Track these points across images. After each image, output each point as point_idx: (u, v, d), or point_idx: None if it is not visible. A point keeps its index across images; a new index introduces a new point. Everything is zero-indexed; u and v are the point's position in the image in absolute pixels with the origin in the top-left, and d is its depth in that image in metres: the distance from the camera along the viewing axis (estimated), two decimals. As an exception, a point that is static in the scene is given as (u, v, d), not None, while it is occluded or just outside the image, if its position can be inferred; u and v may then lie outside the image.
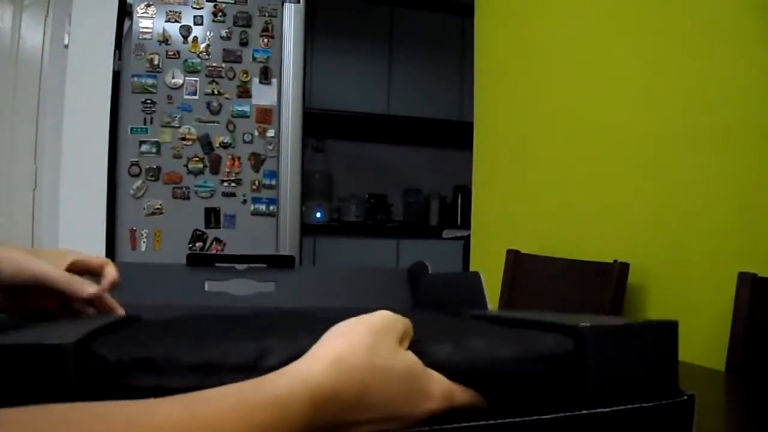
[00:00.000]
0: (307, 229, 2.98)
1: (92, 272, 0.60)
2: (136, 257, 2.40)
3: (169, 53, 2.46)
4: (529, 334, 0.40)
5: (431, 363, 0.37)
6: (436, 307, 0.68)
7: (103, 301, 0.57)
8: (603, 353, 0.38)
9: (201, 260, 0.71)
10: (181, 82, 2.46)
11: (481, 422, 0.35)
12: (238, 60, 2.52)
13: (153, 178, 2.43)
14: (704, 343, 1.24)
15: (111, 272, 0.59)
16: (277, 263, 0.73)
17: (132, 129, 2.43)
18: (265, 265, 0.73)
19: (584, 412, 0.36)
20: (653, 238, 1.43)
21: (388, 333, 0.36)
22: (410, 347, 0.38)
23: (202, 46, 2.49)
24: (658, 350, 0.40)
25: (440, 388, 0.36)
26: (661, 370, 0.40)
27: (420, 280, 0.75)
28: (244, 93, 2.52)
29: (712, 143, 1.29)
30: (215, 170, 2.48)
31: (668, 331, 0.40)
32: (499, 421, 0.35)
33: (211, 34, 2.51)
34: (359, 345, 0.35)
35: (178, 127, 2.45)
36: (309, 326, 0.38)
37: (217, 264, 0.71)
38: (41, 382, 0.32)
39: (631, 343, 0.39)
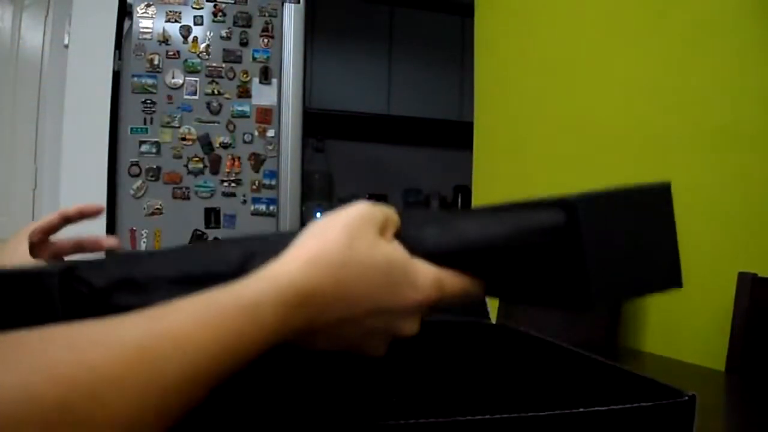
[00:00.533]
0: (307, 229, 2.98)
1: (59, 228, 0.59)
2: (136, 257, 2.40)
3: (169, 53, 2.46)
4: (519, 211, 0.38)
5: (418, 250, 0.35)
6: (434, 308, 0.68)
7: (86, 243, 0.56)
8: (596, 222, 0.36)
9: None
10: (181, 82, 2.46)
11: (478, 417, 0.35)
12: (238, 60, 2.52)
13: (153, 178, 2.43)
14: (704, 343, 1.24)
15: (84, 209, 0.58)
16: None
17: (132, 129, 2.43)
18: None
19: (581, 410, 0.36)
20: (653, 238, 1.42)
21: (367, 225, 0.35)
22: (395, 236, 0.36)
23: (202, 46, 2.49)
24: (653, 214, 0.38)
25: (427, 278, 0.35)
26: (659, 233, 0.38)
27: None
28: (244, 93, 2.52)
29: (713, 143, 1.29)
30: (215, 170, 2.48)
31: (662, 193, 0.39)
32: (496, 416, 0.35)
33: (211, 34, 2.51)
34: (335, 242, 0.33)
35: (178, 127, 2.45)
36: (292, 232, 0.37)
37: None
38: (28, 311, 0.32)
39: (625, 208, 0.37)
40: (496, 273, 0.37)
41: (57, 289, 0.32)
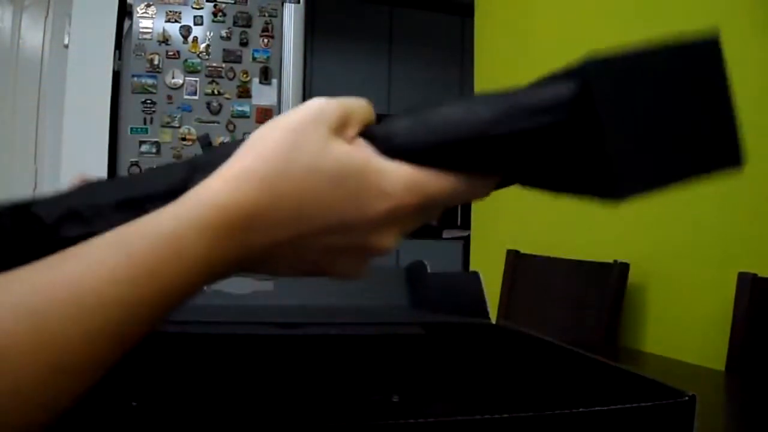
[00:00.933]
0: (307, 229, 2.98)
1: None
2: (136, 257, 2.40)
3: (169, 53, 2.46)
4: (520, 90, 0.30)
5: (388, 148, 0.30)
6: (434, 308, 0.68)
7: None
8: (617, 90, 0.28)
9: None
10: (181, 82, 2.46)
11: (478, 417, 0.35)
12: (238, 60, 2.52)
13: (153, 178, 2.43)
14: (704, 343, 1.24)
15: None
16: None
17: (132, 129, 2.43)
18: None
19: (582, 410, 0.36)
20: (653, 238, 1.42)
21: (316, 125, 0.29)
22: (362, 134, 0.31)
23: (202, 46, 2.49)
24: (698, 75, 0.30)
25: (398, 181, 0.29)
26: (707, 100, 0.31)
27: (418, 280, 0.75)
28: (244, 93, 2.52)
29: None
30: (215, 170, 2.48)
31: (708, 48, 0.30)
32: (496, 416, 0.35)
33: (211, 34, 2.51)
34: (273, 149, 0.28)
35: (178, 127, 2.45)
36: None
37: None
38: None
39: (657, 71, 0.29)
40: (493, 165, 0.30)
41: (9, 228, 0.30)
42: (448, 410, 0.35)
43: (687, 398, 0.38)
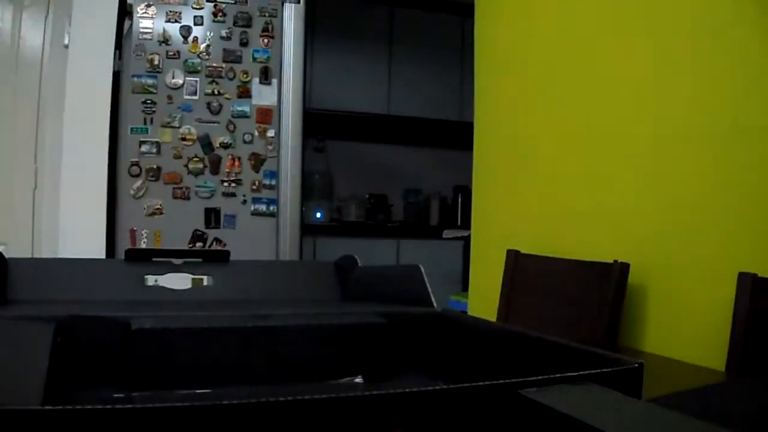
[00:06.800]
0: (308, 229, 2.98)
1: None
2: (136, 257, 2.40)
3: (169, 53, 2.46)
4: None
5: None
6: (369, 299, 0.73)
7: None
8: None
9: (139, 255, 0.74)
10: (181, 82, 2.46)
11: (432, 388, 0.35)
12: (238, 60, 2.52)
13: (153, 178, 2.43)
14: (704, 343, 1.24)
15: None
16: (213, 258, 0.76)
17: (132, 129, 2.43)
18: (200, 260, 0.76)
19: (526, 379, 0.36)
20: (653, 238, 1.42)
21: None
22: None
23: (202, 46, 2.49)
24: None
25: None
26: None
27: (348, 273, 0.78)
28: (244, 93, 2.52)
29: (713, 143, 1.29)
30: (215, 170, 2.48)
31: None
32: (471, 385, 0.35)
33: (211, 34, 2.50)
34: None
35: (178, 128, 2.45)
36: None
37: (153, 259, 0.73)
38: None
39: None
40: None
41: None
42: (404, 386, 0.37)
43: (637, 365, 0.41)
